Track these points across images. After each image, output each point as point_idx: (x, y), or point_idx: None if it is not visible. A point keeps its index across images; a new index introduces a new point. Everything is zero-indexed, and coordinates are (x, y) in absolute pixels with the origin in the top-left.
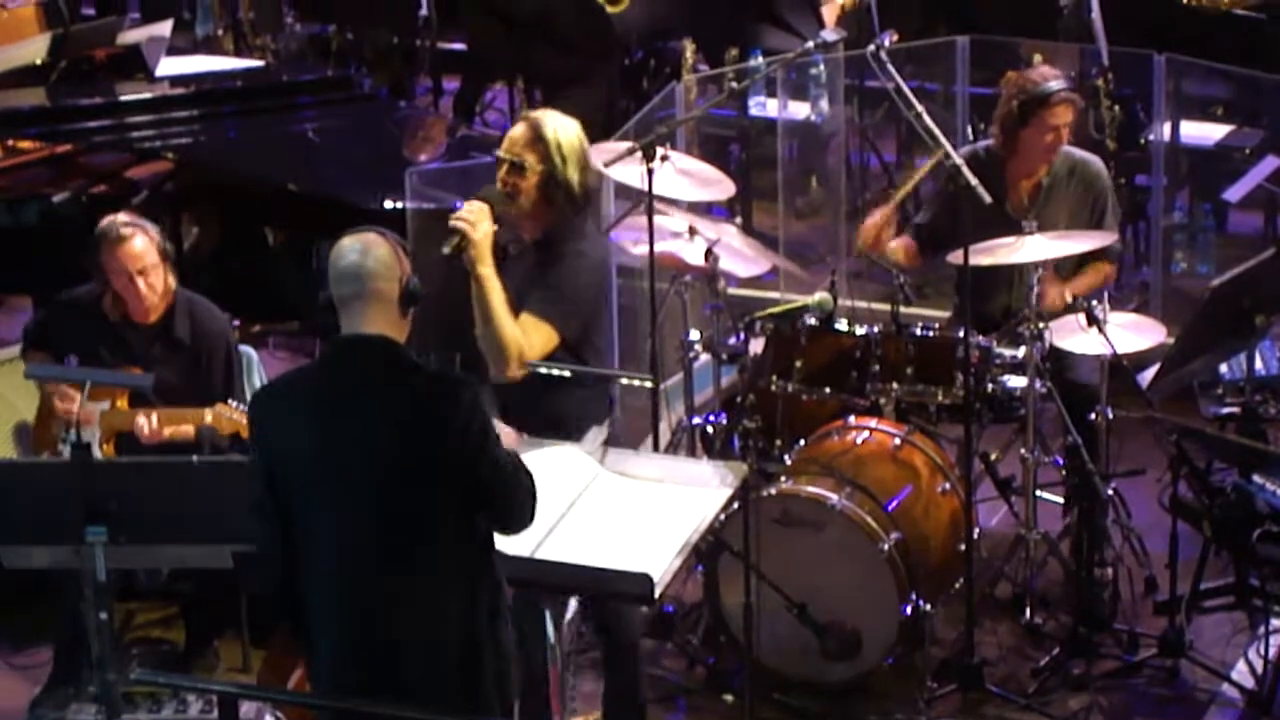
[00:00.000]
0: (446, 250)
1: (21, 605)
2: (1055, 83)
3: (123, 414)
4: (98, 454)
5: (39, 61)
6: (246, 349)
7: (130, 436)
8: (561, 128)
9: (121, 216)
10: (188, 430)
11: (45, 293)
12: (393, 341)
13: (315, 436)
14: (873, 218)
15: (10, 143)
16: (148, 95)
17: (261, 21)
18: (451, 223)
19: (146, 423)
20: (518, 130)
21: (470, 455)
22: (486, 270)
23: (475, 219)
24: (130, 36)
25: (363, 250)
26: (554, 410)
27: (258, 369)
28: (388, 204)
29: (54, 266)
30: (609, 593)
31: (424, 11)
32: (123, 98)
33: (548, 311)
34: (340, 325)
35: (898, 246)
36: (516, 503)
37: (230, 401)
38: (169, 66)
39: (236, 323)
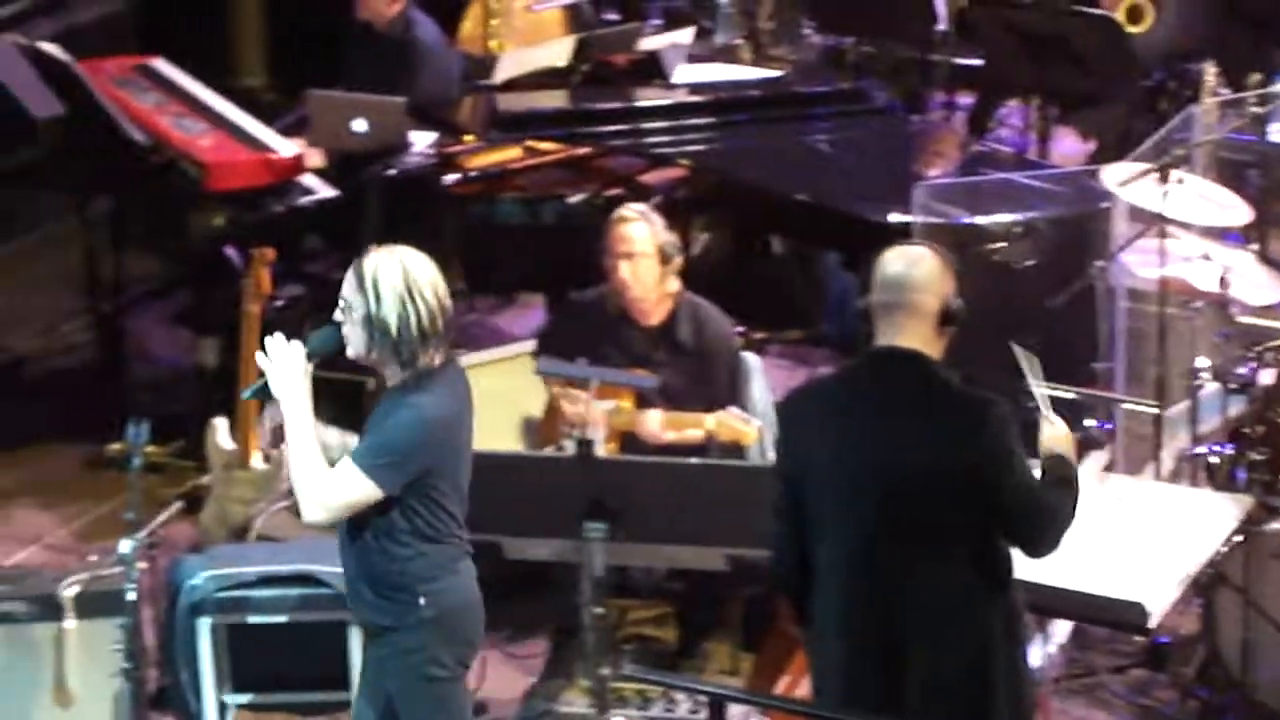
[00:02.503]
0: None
1: (521, 597)
2: None
3: (627, 414)
4: (601, 452)
5: (561, 64)
6: (750, 356)
7: (634, 437)
8: (383, 267)
9: (636, 204)
10: (692, 435)
11: (556, 292)
12: (924, 356)
13: (839, 444)
14: None
15: (532, 143)
16: (665, 101)
17: (781, 32)
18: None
19: (649, 424)
20: (350, 270)
21: (996, 475)
22: (286, 407)
23: (274, 357)
24: (651, 43)
25: (910, 261)
26: None
27: (759, 377)
28: (894, 217)
29: (567, 266)
30: (1100, 619)
31: (941, 26)
32: (640, 103)
33: (364, 463)
34: (874, 334)
35: None
36: (1040, 527)
37: (733, 409)
38: (684, 74)
39: (740, 329)
